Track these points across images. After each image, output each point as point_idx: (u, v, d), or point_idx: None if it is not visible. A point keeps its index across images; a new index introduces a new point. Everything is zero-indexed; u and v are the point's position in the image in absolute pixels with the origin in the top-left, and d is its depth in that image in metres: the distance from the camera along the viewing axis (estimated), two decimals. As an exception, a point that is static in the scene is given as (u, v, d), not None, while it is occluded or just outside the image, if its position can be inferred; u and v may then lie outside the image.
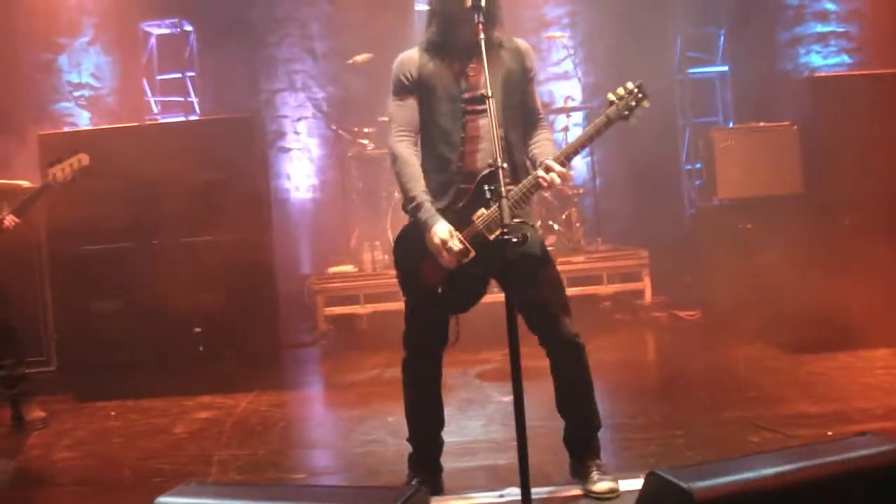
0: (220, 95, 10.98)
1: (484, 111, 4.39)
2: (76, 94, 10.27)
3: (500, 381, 7.03)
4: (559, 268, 4.78)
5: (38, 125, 9.21)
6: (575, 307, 4.68)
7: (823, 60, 10.45)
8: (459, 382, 7.16)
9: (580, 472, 4.67)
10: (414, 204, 4.47)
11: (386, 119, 6.15)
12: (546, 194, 9.13)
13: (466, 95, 4.52)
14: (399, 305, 5.17)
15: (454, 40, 4.51)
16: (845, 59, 10.45)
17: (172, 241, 8.19)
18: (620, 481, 4.56)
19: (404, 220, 4.67)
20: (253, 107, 10.88)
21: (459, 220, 4.42)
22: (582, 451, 4.70)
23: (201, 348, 8.09)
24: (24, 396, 6.82)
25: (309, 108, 11.35)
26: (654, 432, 5.64)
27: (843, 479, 3.32)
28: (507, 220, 3.76)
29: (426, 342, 4.67)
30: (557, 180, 4.34)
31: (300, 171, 11.41)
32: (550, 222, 9.36)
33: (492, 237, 4.29)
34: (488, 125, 4.14)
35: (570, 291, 6.21)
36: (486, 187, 4.31)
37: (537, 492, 4.35)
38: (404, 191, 4.55)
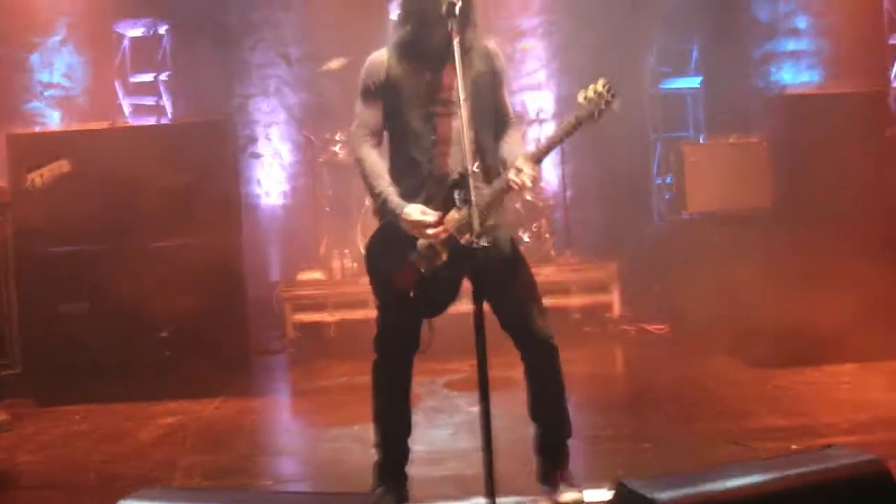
0: (192, 98, 10.91)
1: (454, 113, 4.38)
2: (47, 93, 10.19)
3: (468, 391, 7.01)
4: (528, 278, 4.78)
5: (8, 124, 9.11)
6: (546, 316, 4.68)
7: (795, 78, 10.52)
8: (427, 391, 7.15)
9: (548, 480, 4.67)
10: (381, 199, 4.45)
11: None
12: (517, 205, 9.14)
13: (437, 98, 4.50)
14: (367, 314, 5.18)
15: (427, 43, 4.49)
16: (816, 76, 10.54)
17: (141, 244, 8.10)
18: (588, 492, 4.57)
19: (374, 228, 4.65)
20: (225, 111, 10.81)
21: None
22: (552, 458, 4.70)
23: (168, 353, 8.01)
24: (-12, 399, 6.76)
25: (281, 114, 11.31)
26: (623, 444, 5.66)
27: (809, 490, 3.32)
28: (476, 226, 3.76)
29: (398, 347, 4.67)
30: (528, 182, 4.31)
31: (271, 176, 11.36)
32: (521, 233, 9.36)
33: (463, 240, 4.25)
34: (459, 127, 4.11)
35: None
36: (456, 192, 4.31)
37: (503, 502, 4.32)
38: (370, 188, 4.53)
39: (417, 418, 4.97)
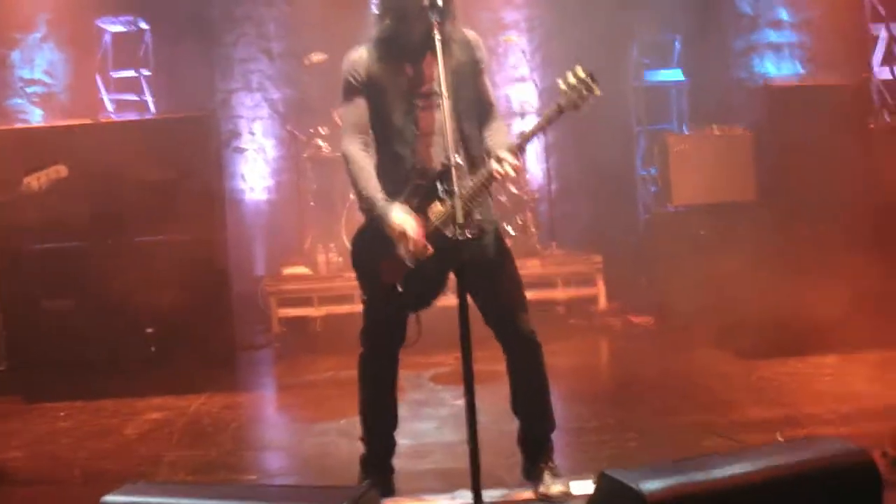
0: (175, 94, 10.87)
1: (436, 105, 4.37)
2: (28, 90, 10.16)
3: (454, 385, 7.03)
4: (513, 271, 4.78)
5: (-11, 121, 9.10)
6: (529, 312, 4.68)
7: (778, 69, 10.56)
8: (412, 385, 7.15)
9: (533, 473, 4.67)
10: (367, 201, 4.45)
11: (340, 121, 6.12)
12: (502, 198, 9.15)
13: (418, 90, 4.48)
14: (353, 308, 5.17)
15: (406, 38, 4.48)
16: (799, 68, 10.57)
17: (125, 239, 8.09)
18: (573, 483, 4.57)
19: (359, 222, 4.65)
20: (208, 106, 10.78)
21: (416, 216, 4.40)
22: (536, 451, 4.70)
23: (153, 349, 8.00)
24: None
25: (265, 109, 11.29)
26: (607, 435, 5.67)
27: (794, 479, 3.34)
28: (460, 218, 3.75)
29: (384, 341, 4.67)
30: (511, 172, 4.31)
31: (255, 171, 11.35)
32: (506, 226, 9.37)
33: (448, 233, 4.23)
34: (442, 118, 4.09)
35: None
36: (440, 185, 4.30)
37: (489, 494, 4.33)
38: (358, 191, 4.51)
39: (403, 412, 4.97)
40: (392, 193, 4.45)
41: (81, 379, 7.53)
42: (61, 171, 6.38)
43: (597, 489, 3.49)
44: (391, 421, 4.83)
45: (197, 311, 7.98)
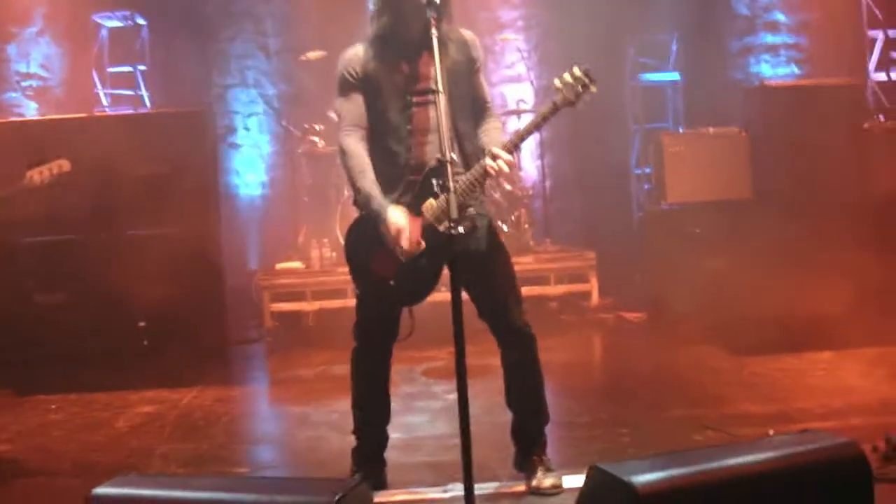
0: (170, 89, 10.86)
1: (431, 102, 4.37)
2: (24, 84, 10.15)
3: (446, 379, 7.03)
4: (507, 267, 4.78)
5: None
6: (523, 305, 4.69)
7: (773, 70, 10.57)
8: (405, 379, 7.15)
9: (525, 466, 4.68)
10: (364, 197, 4.45)
11: (335, 117, 6.12)
12: (497, 195, 9.16)
13: (414, 88, 4.49)
14: (346, 303, 5.17)
15: (403, 35, 4.49)
16: (794, 69, 10.59)
17: (119, 233, 8.09)
18: (565, 477, 4.58)
19: (353, 217, 4.65)
20: (204, 102, 10.76)
21: (409, 212, 4.40)
22: (529, 444, 4.70)
23: (146, 342, 8.00)
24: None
25: (260, 105, 11.28)
26: (600, 430, 5.68)
27: (786, 473, 3.34)
28: (454, 213, 3.75)
29: (377, 335, 4.68)
30: (505, 168, 4.32)
31: (250, 167, 11.34)
32: (500, 223, 9.37)
33: (441, 228, 4.27)
34: (437, 116, 4.10)
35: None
36: (434, 180, 4.31)
37: (481, 487, 4.35)
38: (353, 184, 4.51)
39: (395, 405, 4.96)
40: (386, 190, 4.45)
41: (73, 372, 7.52)
42: (64, 165, 6.31)
43: (588, 482, 3.48)
44: (384, 415, 4.83)
45: (190, 305, 7.98)
